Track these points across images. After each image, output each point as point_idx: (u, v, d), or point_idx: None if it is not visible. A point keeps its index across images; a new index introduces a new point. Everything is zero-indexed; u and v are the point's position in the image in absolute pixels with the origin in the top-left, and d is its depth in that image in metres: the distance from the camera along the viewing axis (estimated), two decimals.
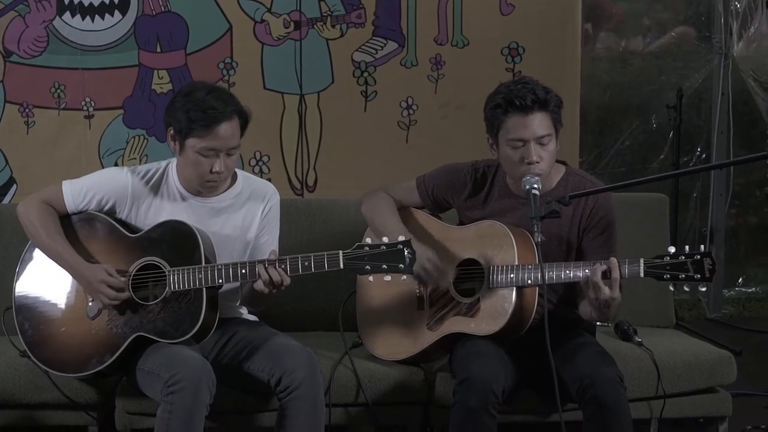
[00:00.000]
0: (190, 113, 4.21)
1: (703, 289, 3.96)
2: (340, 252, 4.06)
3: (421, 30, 6.41)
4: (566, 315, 4.39)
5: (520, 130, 4.25)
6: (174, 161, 4.45)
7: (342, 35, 6.39)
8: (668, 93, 7.25)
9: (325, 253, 4.08)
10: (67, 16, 6.17)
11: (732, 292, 7.70)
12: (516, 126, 4.26)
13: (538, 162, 4.24)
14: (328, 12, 6.35)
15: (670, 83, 7.41)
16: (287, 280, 4.15)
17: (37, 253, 4.45)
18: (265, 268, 4.13)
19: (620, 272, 4.02)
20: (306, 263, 4.11)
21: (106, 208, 4.42)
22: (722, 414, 4.72)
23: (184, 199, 4.41)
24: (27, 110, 6.24)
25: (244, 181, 4.51)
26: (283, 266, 4.13)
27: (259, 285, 4.15)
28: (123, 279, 4.27)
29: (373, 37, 6.41)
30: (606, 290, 4.03)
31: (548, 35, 6.43)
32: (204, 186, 4.36)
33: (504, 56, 6.41)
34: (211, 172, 4.27)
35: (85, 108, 6.27)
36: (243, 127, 4.33)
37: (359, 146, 6.45)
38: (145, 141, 6.33)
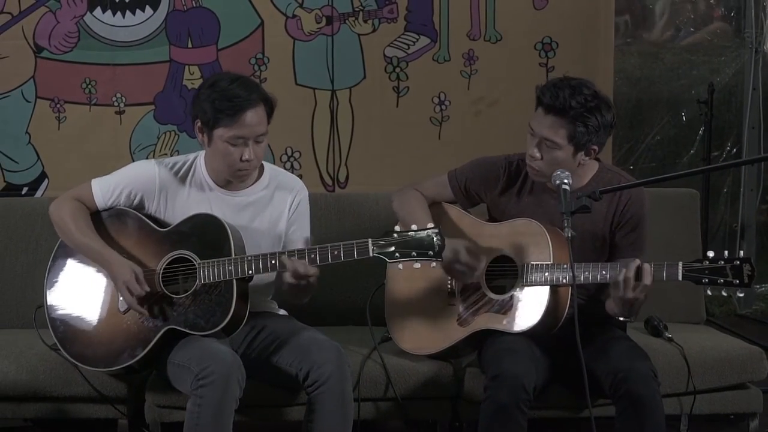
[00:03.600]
0: (216, 103, 4.23)
1: (741, 295, 3.97)
2: (369, 240, 4.05)
3: (454, 25, 6.36)
4: (598, 311, 4.37)
5: (534, 121, 4.27)
6: (202, 153, 4.47)
7: (374, 30, 6.35)
8: (699, 87, 7.23)
9: (354, 241, 4.08)
10: (98, 11, 6.17)
11: (763, 289, 7.65)
12: (534, 116, 4.28)
13: (533, 158, 4.27)
14: (360, 7, 6.32)
15: (701, 78, 7.39)
16: (312, 271, 4.15)
17: (69, 249, 4.48)
18: (291, 259, 4.15)
19: (655, 276, 4.03)
20: (335, 252, 4.11)
21: (136, 201, 4.44)
22: (753, 410, 4.71)
23: (212, 191, 4.43)
24: (58, 106, 6.26)
25: (271, 174, 4.53)
26: (312, 255, 4.14)
27: (288, 278, 4.16)
28: (146, 289, 4.27)
29: (406, 32, 6.37)
30: (630, 292, 4.03)
31: (581, 30, 6.36)
32: (235, 176, 4.37)
33: (537, 51, 6.35)
34: (241, 160, 4.28)
35: (116, 103, 6.28)
36: (269, 114, 4.34)
37: (391, 142, 6.42)
38: (176, 137, 6.33)
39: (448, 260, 4.29)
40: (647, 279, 4.02)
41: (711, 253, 3.99)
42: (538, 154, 4.26)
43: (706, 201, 6.76)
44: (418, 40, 6.36)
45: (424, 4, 6.34)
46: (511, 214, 4.45)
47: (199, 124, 4.33)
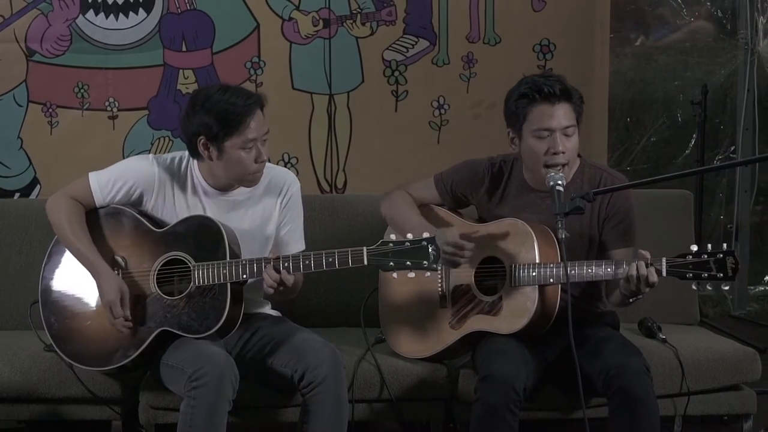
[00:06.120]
0: (220, 115, 4.22)
1: (726, 287, 3.95)
2: (364, 248, 4.05)
3: (453, 27, 6.36)
4: (588, 309, 4.40)
5: (547, 120, 4.25)
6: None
7: (372, 33, 6.35)
8: (693, 89, 7.24)
9: (349, 249, 4.08)
10: (90, 14, 6.17)
11: (757, 290, 7.66)
12: (542, 116, 4.26)
13: (563, 152, 4.25)
14: (358, 9, 6.31)
15: (695, 79, 7.40)
16: (289, 280, 4.17)
17: (64, 248, 4.47)
18: (264, 269, 4.17)
19: (639, 272, 4.02)
20: (330, 259, 4.11)
21: (134, 196, 4.42)
22: (747, 411, 4.70)
23: (205, 192, 4.42)
24: (50, 110, 6.25)
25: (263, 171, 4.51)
26: (306, 262, 4.14)
27: (265, 287, 4.20)
28: (128, 315, 4.25)
29: (404, 35, 6.37)
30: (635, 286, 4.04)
31: (579, 31, 6.39)
32: (250, 179, 4.37)
33: (536, 53, 6.36)
34: (256, 162, 4.29)
35: (109, 108, 6.28)
36: (263, 111, 4.34)
37: (390, 147, 6.42)
38: (170, 142, 6.32)
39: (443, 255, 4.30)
40: (632, 270, 4.02)
41: (694, 247, 3.96)
42: (564, 149, 4.27)
43: (700, 202, 6.77)
44: (416, 42, 6.36)
45: (422, 7, 6.34)
46: (497, 214, 4.44)
47: (203, 140, 4.28)
